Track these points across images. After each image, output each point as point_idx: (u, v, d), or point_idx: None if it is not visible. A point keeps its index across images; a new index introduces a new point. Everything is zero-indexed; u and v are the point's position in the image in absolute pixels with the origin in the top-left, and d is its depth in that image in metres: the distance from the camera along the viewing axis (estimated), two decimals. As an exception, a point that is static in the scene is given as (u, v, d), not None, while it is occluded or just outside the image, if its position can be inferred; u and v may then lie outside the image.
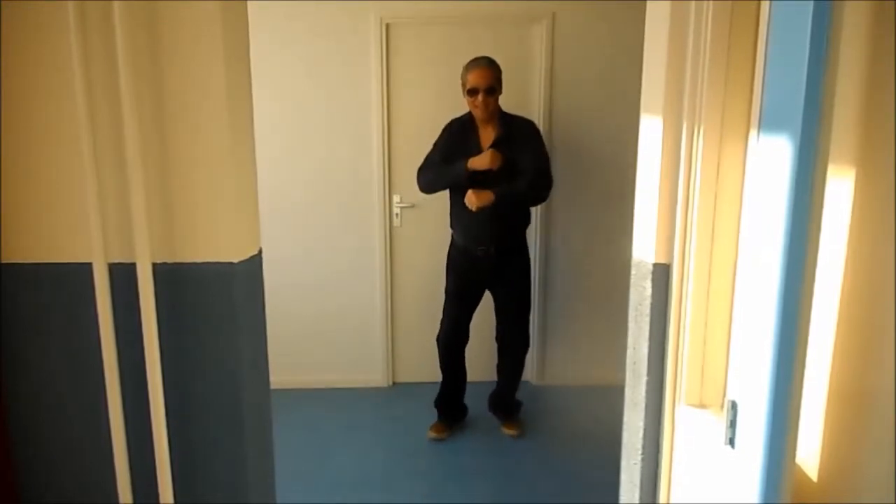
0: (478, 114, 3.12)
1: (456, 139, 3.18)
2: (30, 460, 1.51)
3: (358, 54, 3.70)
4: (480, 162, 3.02)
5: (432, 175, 3.20)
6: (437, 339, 3.41)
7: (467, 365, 3.47)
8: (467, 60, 3.15)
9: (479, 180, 3.04)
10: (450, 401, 3.49)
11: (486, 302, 3.43)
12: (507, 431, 3.44)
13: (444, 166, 3.16)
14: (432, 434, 3.42)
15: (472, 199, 3.03)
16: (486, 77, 3.05)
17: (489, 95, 3.06)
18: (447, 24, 3.69)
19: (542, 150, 3.16)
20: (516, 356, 3.43)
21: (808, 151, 1.01)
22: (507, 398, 3.52)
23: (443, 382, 3.46)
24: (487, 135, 3.13)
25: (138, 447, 1.47)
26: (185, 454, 1.50)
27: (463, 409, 3.56)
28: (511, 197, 3.07)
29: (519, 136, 3.11)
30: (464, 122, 3.21)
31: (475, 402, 3.56)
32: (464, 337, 3.40)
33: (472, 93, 3.08)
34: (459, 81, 3.16)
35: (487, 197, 3.02)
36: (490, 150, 3.02)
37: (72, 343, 1.45)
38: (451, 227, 3.33)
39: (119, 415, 1.44)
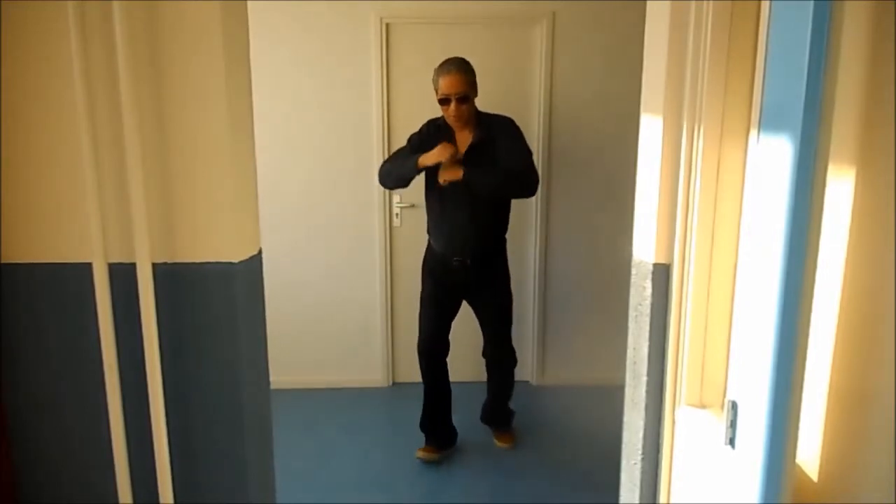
0: (452, 122, 2.99)
1: (430, 140, 3.02)
2: (29, 460, 1.51)
3: (358, 54, 3.70)
4: (431, 157, 2.90)
5: (389, 167, 3.11)
6: (418, 348, 3.25)
7: (455, 364, 3.31)
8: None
9: (450, 189, 2.96)
10: (436, 420, 3.30)
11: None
12: (500, 444, 3.38)
13: (399, 160, 3.07)
14: (421, 455, 3.22)
15: (441, 172, 2.93)
16: (458, 84, 2.89)
17: (462, 103, 2.91)
18: (447, 24, 3.69)
19: (522, 146, 3.00)
20: (503, 371, 3.36)
21: (808, 151, 1.01)
22: (498, 409, 3.44)
23: (426, 397, 3.28)
24: (464, 138, 3.00)
25: (138, 447, 1.47)
26: (185, 454, 1.50)
27: (452, 433, 3.35)
28: (483, 178, 2.89)
29: (498, 136, 2.98)
30: (439, 125, 3.08)
31: (469, 402, 3.49)
32: (444, 344, 3.24)
33: (444, 102, 2.93)
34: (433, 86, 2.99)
35: (455, 173, 2.89)
36: (441, 144, 2.91)
37: (72, 343, 1.45)
38: (428, 232, 3.23)
39: (119, 415, 1.44)
